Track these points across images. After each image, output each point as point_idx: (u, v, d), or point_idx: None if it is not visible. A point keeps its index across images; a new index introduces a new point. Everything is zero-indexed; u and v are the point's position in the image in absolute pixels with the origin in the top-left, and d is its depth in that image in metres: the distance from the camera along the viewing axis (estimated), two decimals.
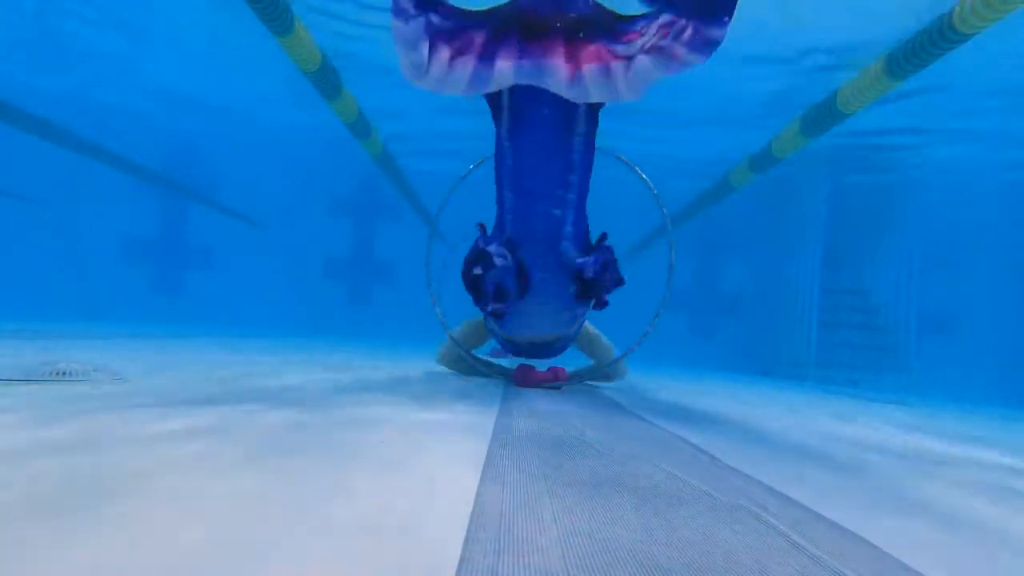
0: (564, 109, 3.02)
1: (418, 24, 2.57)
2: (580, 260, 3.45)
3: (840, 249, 13.03)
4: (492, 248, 3.46)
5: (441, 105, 10.75)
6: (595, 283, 3.48)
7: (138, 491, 1.35)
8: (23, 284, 15.58)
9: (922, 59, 5.08)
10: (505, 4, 2.76)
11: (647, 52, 2.59)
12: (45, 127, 10.56)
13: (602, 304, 3.76)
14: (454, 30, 2.66)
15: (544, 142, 3.16)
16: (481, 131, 4.59)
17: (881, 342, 12.27)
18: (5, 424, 1.95)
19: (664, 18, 2.57)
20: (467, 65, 2.65)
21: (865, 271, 12.81)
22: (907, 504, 1.98)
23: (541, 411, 3.12)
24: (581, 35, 2.69)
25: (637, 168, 4.80)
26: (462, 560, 1.08)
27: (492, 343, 6.35)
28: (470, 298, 3.82)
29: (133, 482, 1.41)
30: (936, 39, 4.78)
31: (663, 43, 2.55)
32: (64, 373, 3.16)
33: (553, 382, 4.96)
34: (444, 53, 2.64)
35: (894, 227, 13.01)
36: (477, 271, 3.46)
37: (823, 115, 6.84)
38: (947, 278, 15.49)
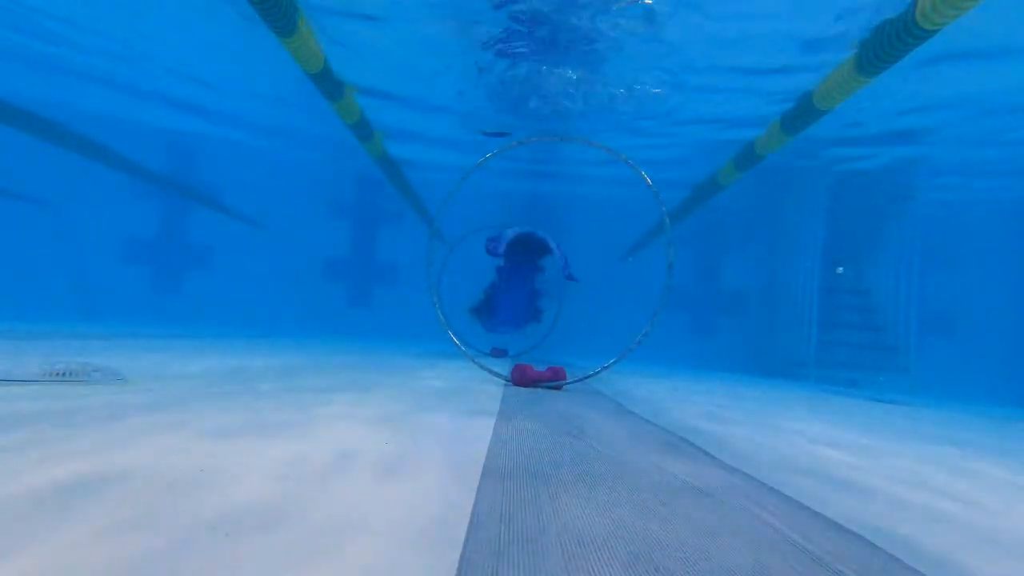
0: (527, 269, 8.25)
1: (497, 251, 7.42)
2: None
3: (840, 249, 13.02)
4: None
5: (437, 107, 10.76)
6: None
7: None
8: (23, 284, 15.57)
9: (890, 55, 5.13)
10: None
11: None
12: (45, 128, 10.56)
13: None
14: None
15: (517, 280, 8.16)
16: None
17: (881, 342, 12.26)
18: None
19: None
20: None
21: (865, 271, 12.80)
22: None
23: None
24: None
25: (641, 170, 4.83)
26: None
27: (496, 344, 9.82)
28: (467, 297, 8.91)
29: None
30: (902, 35, 4.83)
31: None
32: (64, 373, 3.16)
33: (552, 381, 4.96)
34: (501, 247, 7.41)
35: (894, 227, 13.01)
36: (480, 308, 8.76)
37: (802, 113, 6.93)
38: (947, 277, 15.47)
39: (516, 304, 8.18)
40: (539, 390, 4.77)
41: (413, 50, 8.29)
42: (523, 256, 8.11)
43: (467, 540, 1.27)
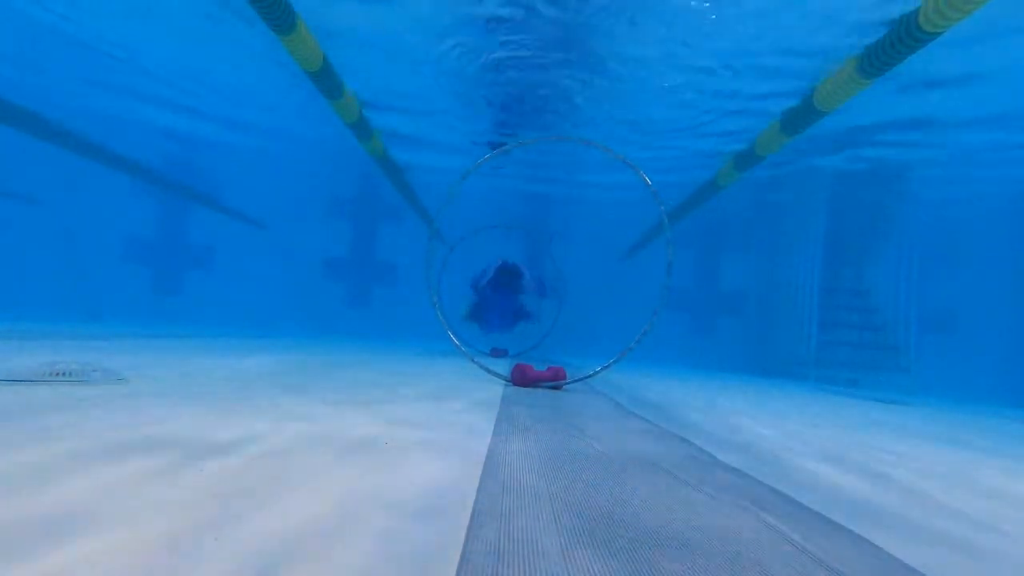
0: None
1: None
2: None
3: (840, 249, 13.02)
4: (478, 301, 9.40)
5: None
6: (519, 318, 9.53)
7: None
8: (24, 284, 15.58)
9: (892, 58, 5.15)
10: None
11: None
12: (46, 129, 10.56)
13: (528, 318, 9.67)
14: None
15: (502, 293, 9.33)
16: None
17: (881, 341, 12.26)
18: None
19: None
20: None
21: (865, 271, 12.80)
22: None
23: None
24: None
25: (640, 170, 4.83)
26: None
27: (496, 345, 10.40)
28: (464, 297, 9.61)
29: None
30: (904, 38, 4.85)
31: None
32: (64, 373, 3.16)
33: (552, 381, 4.96)
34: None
35: (894, 226, 13.01)
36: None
37: (802, 114, 6.93)
38: (947, 277, 15.48)
39: (503, 312, 9.47)
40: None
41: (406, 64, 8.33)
42: (505, 277, 9.35)
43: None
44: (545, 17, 6.85)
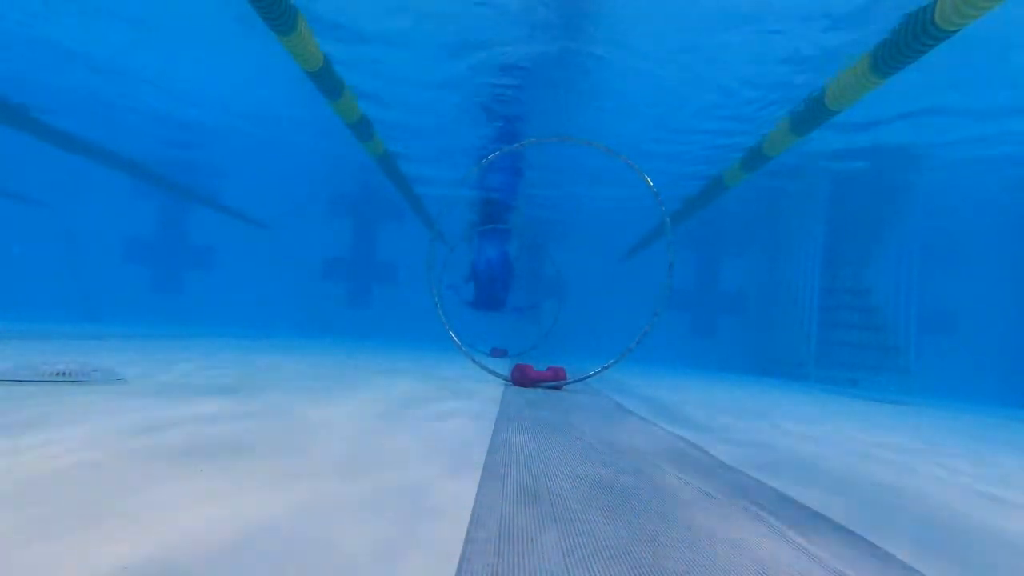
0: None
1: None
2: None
3: (840, 249, 13.01)
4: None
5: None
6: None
7: None
8: (24, 284, 15.58)
9: (906, 56, 5.07)
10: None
11: None
12: (45, 128, 10.56)
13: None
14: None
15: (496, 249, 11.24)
16: None
17: (881, 341, 12.25)
18: None
19: None
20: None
21: (865, 271, 12.78)
22: None
23: None
24: None
25: (640, 170, 4.82)
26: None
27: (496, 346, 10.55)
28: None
29: None
30: (919, 35, 4.77)
31: None
32: (64, 373, 3.16)
33: (553, 381, 4.97)
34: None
35: (894, 226, 13.00)
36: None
37: (812, 113, 6.81)
38: (947, 277, 15.47)
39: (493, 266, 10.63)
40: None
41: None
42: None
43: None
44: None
